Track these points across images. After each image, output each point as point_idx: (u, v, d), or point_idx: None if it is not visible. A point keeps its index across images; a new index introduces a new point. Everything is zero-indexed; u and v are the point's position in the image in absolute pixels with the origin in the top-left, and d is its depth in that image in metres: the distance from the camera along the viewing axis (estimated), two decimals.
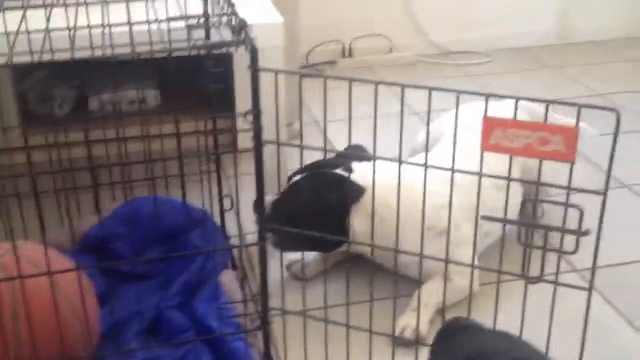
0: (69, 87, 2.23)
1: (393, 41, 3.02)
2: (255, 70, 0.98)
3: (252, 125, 1.00)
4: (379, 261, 1.47)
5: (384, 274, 1.42)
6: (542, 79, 2.80)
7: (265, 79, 1.58)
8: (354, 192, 1.40)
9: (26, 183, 1.31)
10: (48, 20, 1.22)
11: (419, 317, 1.36)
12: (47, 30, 1.17)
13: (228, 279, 1.40)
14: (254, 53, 0.96)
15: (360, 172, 1.43)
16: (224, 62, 2.11)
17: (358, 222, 1.41)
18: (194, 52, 1.33)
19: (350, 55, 2.99)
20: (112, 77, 2.16)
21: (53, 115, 2.18)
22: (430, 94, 0.95)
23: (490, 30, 3.13)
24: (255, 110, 0.99)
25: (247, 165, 2.01)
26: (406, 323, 1.36)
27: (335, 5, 2.98)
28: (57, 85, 2.20)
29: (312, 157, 1.44)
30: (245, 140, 2.32)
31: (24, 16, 1.22)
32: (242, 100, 2.14)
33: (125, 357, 1.13)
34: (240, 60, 2.09)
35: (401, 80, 2.80)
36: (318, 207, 1.40)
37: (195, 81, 2.24)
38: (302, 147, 1.04)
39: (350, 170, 1.45)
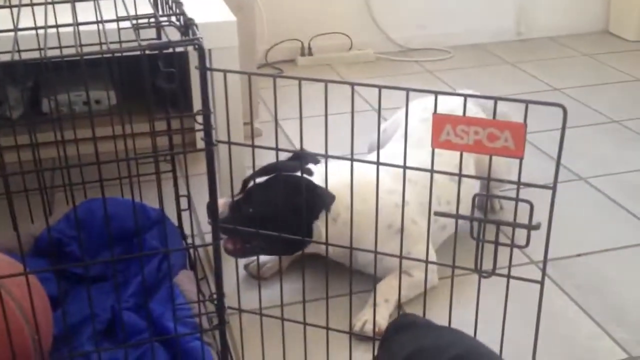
0: (21, 89, 2.19)
1: (352, 39, 3.03)
2: (203, 69, 0.97)
3: (203, 125, 0.99)
4: (342, 261, 1.47)
5: (341, 272, 1.42)
6: (501, 75, 2.84)
7: (221, 78, 1.57)
8: (326, 199, 1.39)
9: None
10: None
11: (379, 312, 1.37)
12: None
13: (185, 280, 1.39)
14: (201, 52, 0.95)
15: (320, 175, 1.42)
16: (179, 62, 2.10)
17: (324, 226, 1.41)
18: (141, 53, 1.32)
19: (310, 53, 2.99)
20: (65, 78, 2.12)
21: (4, 116, 2.14)
22: (380, 92, 0.95)
23: (450, 27, 3.16)
24: (205, 110, 0.99)
25: (204, 165, 2.01)
26: (367, 318, 1.37)
27: (294, 3, 2.98)
28: (8, 86, 2.16)
29: (268, 156, 1.43)
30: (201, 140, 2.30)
31: None
32: (199, 100, 2.13)
33: None
34: (194, 59, 2.09)
35: (360, 77, 2.81)
36: (287, 212, 1.36)
37: (150, 81, 2.23)
38: (253, 147, 1.04)
39: (310, 173, 1.45)
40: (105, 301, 1.34)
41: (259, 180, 1.42)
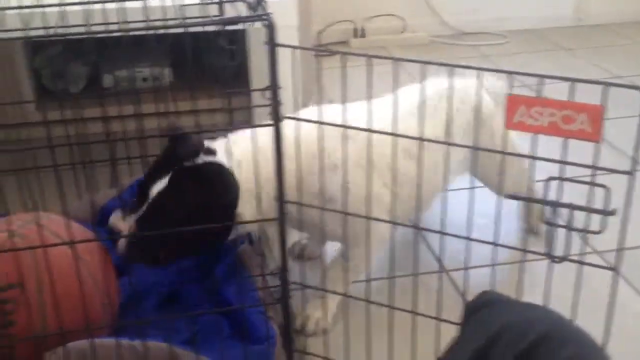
0: (83, 64, 2.24)
1: (406, 21, 3.01)
2: (272, 45, 0.97)
3: (270, 102, 1.00)
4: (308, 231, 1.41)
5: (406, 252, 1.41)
6: (557, 61, 2.79)
7: (281, 58, 1.57)
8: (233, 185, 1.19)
9: (44, 156, 1.31)
10: None
11: (323, 308, 1.31)
12: (62, 5, 1.17)
13: (246, 254, 1.40)
14: (271, 28, 0.96)
15: (223, 148, 1.23)
16: (239, 40, 2.12)
17: (243, 208, 1.22)
18: (210, 28, 1.33)
19: (363, 35, 2.98)
20: (126, 54, 2.16)
21: (67, 91, 2.19)
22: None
23: (505, 12, 3.12)
24: (273, 86, 0.99)
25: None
26: (309, 312, 1.32)
27: None
28: (71, 61, 2.21)
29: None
30: (260, 118, 2.33)
31: None
32: (257, 78, 2.14)
33: (144, 328, 1.13)
34: (254, 37, 2.10)
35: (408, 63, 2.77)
36: (208, 208, 1.16)
37: (209, 59, 2.26)
38: (320, 123, 1.04)
39: (211, 152, 1.22)
40: (169, 272, 1.37)
41: (158, 185, 1.19)
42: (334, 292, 1.25)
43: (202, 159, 1.18)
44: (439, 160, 1.30)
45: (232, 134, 1.20)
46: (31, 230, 1.13)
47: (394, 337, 1.12)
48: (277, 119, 0.99)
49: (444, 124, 1.32)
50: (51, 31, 1.27)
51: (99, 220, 1.49)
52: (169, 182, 1.17)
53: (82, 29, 1.19)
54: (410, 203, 1.29)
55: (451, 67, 1.00)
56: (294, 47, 1.03)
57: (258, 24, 0.96)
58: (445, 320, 1.05)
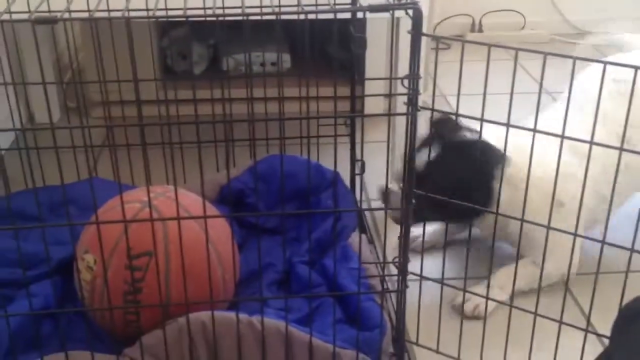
0: (206, 46, 2.31)
1: (526, 18, 2.92)
2: (417, 34, 0.97)
3: (408, 90, 1.00)
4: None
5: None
6: None
7: (404, 48, 1.56)
8: (498, 156, 1.32)
9: (170, 134, 1.37)
10: None
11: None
12: None
13: (359, 241, 1.41)
14: (418, 17, 0.96)
15: (494, 140, 1.33)
16: (359, 28, 2.12)
17: (503, 190, 1.33)
18: (343, 15, 1.34)
19: (480, 30, 2.92)
20: (247, 39, 2.20)
21: (189, 72, 2.26)
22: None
23: (631, 12, 2.97)
24: (413, 75, 0.99)
25: (378, 133, 2.03)
26: (478, 301, 1.34)
27: None
28: (195, 43, 2.28)
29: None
30: (376, 107, 2.31)
31: None
32: (374, 67, 2.15)
33: (260, 305, 1.16)
34: (375, 26, 2.10)
35: (531, 58, 2.70)
36: (467, 176, 1.34)
37: (329, 46, 2.28)
38: (457, 115, 1.03)
39: (475, 131, 1.37)
40: (282, 253, 1.40)
41: (423, 155, 1.37)
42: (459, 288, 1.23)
43: (466, 136, 1.37)
44: None
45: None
46: (163, 202, 1.18)
47: (514, 343, 1.10)
48: (415, 108, 0.99)
49: None
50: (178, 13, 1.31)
51: (219, 198, 1.54)
52: (437, 152, 1.37)
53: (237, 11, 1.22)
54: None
55: (574, 59, 0.97)
56: (439, 37, 1.02)
57: (401, 12, 0.96)
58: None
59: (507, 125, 1.02)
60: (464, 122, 1.39)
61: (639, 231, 0.94)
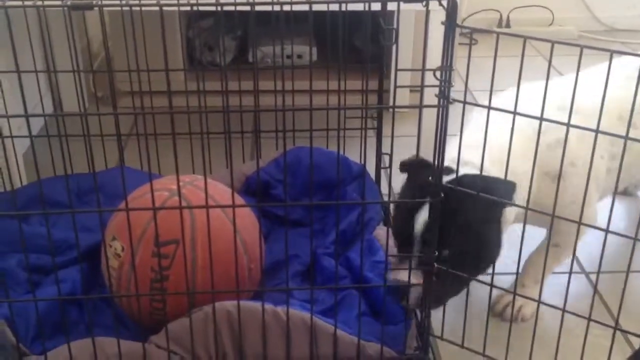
0: (232, 37, 2.31)
1: (555, 14, 2.89)
2: (451, 25, 0.96)
3: (440, 82, 0.99)
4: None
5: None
6: None
7: (434, 40, 1.54)
8: (509, 188, 1.14)
9: (201, 123, 1.37)
10: None
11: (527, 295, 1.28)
12: None
13: (383, 235, 1.41)
14: (454, 8, 0.95)
15: (470, 163, 1.17)
16: (388, 21, 2.11)
17: (509, 212, 1.21)
18: (392, 6, 1.33)
19: (508, 25, 2.90)
20: (274, 30, 2.20)
21: (215, 62, 2.27)
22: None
23: None
24: (446, 67, 0.98)
25: (404, 127, 2.02)
26: (509, 300, 1.33)
27: None
28: (221, 35, 2.28)
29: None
30: (402, 102, 2.30)
31: None
32: (400, 60, 2.13)
33: (285, 295, 1.16)
34: (402, 19, 2.09)
35: (559, 55, 2.66)
36: (482, 226, 1.15)
37: (356, 39, 2.27)
38: (489, 108, 1.02)
39: (449, 171, 1.16)
40: (307, 245, 1.39)
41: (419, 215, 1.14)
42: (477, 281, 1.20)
43: (445, 179, 1.12)
44: None
45: (460, 140, 1.13)
46: (190, 191, 1.18)
47: (541, 340, 1.09)
48: (447, 100, 0.98)
49: None
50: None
51: (245, 189, 1.54)
52: (445, 214, 1.08)
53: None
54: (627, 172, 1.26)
55: (611, 52, 0.95)
56: (473, 30, 1.01)
57: (433, 4, 0.95)
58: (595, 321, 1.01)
59: (541, 119, 1.01)
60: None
61: None
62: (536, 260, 1.35)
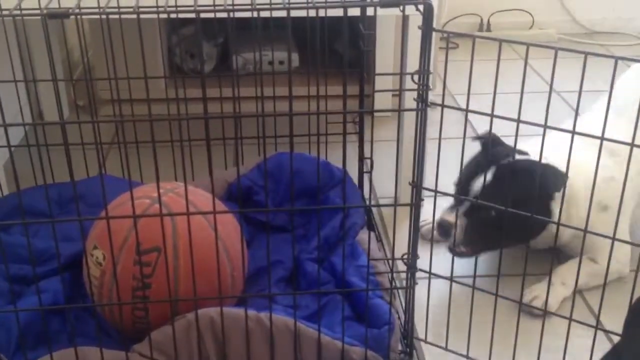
0: (214, 45, 2.31)
1: (535, 17, 2.92)
2: (428, 30, 0.97)
3: (419, 86, 1.00)
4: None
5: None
6: None
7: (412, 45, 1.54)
8: (560, 177, 1.31)
9: (181, 131, 1.37)
10: None
11: (553, 292, 1.34)
12: None
13: (367, 239, 1.41)
14: (429, 13, 0.95)
15: (535, 155, 1.31)
16: (367, 26, 2.12)
17: (558, 207, 1.29)
18: (354, 12, 1.33)
19: (488, 29, 2.92)
20: (255, 37, 2.20)
21: (197, 70, 2.27)
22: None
23: (639, 11, 2.97)
24: (424, 70, 0.99)
25: (387, 131, 2.02)
26: (537, 293, 1.35)
27: None
28: (203, 42, 2.28)
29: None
30: (384, 106, 2.30)
31: None
32: (381, 65, 2.15)
33: (268, 301, 1.16)
34: (383, 24, 2.09)
35: (540, 58, 2.69)
36: (525, 201, 1.21)
37: (337, 44, 2.28)
38: (467, 111, 1.03)
39: (525, 153, 1.40)
40: (290, 250, 1.40)
41: (480, 177, 1.35)
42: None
43: (516, 157, 1.36)
44: None
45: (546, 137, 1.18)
46: (171, 198, 1.18)
47: (524, 341, 1.09)
48: (425, 104, 0.99)
49: None
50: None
51: (227, 196, 1.54)
52: (494, 177, 1.34)
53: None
54: None
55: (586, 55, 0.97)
56: (449, 33, 1.02)
57: (410, 9, 0.96)
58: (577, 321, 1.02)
59: (518, 120, 1.02)
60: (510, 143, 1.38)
61: None
62: (571, 264, 1.40)
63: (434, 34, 0.99)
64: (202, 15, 0.95)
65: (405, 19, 1.55)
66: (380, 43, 2.12)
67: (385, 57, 2.13)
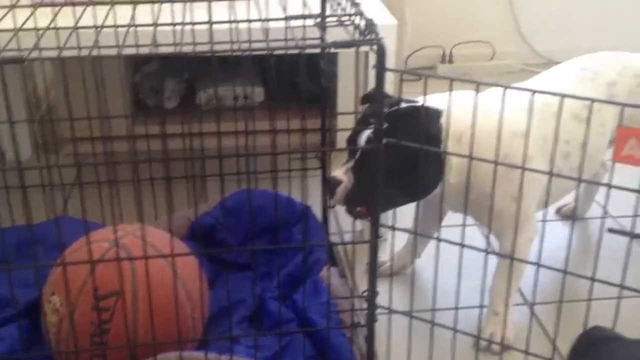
0: (179, 81, 2.31)
1: (496, 48, 2.97)
2: (381, 69, 0.98)
3: (375, 124, 1.01)
4: (457, 209, 1.39)
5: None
6: None
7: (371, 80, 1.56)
8: (433, 114, 1.26)
9: (142, 170, 1.36)
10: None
11: (500, 322, 1.34)
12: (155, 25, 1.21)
13: (330, 275, 1.41)
14: (381, 53, 0.97)
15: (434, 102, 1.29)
16: (331, 62, 2.14)
17: (452, 148, 1.26)
18: (316, 50, 1.35)
19: (451, 61, 2.96)
20: (220, 73, 2.22)
21: (162, 106, 2.27)
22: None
23: (598, 41, 3.04)
24: (379, 108, 1.00)
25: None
26: (494, 329, 1.35)
27: (437, 10, 2.96)
28: (167, 78, 2.29)
29: None
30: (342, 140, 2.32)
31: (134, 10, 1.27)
32: (344, 100, 2.17)
33: (230, 343, 1.15)
34: (345, 60, 2.12)
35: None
36: (411, 142, 1.15)
37: (300, 80, 2.30)
38: (422, 148, 1.04)
39: (411, 101, 1.30)
40: (252, 289, 1.39)
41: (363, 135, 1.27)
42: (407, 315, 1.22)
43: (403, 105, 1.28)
44: (606, 121, 1.39)
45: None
46: (131, 241, 1.17)
47: None
48: (380, 142, 1.00)
49: (606, 87, 1.42)
50: (143, 49, 1.31)
51: (190, 234, 1.53)
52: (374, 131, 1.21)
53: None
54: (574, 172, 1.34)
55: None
56: (402, 71, 1.04)
57: (361, 48, 0.97)
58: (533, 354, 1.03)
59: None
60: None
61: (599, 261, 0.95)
62: (498, 283, 1.36)
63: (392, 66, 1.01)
64: (161, 51, 0.96)
65: (366, 56, 1.57)
66: (346, 78, 2.14)
67: (349, 93, 2.15)
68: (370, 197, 1.15)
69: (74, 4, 1.29)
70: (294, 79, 2.24)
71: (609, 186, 0.90)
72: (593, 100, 1.01)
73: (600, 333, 0.84)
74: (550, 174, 1.04)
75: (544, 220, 1.26)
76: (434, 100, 1.29)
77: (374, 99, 1.20)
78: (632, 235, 0.91)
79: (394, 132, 1.13)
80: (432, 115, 1.26)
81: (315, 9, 1.41)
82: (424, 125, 1.22)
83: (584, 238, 1.74)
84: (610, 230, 0.92)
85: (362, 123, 1.29)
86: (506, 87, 1.06)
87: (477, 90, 1.11)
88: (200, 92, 2.23)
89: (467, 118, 1.17)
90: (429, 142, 1.18)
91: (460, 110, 1.24)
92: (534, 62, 3.00)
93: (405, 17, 2.65)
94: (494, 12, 2.98)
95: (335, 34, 1.22)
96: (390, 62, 1.56)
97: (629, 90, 1.44)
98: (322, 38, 1.42)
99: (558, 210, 1.82)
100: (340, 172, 1.29)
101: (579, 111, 1.33)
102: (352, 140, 1.31)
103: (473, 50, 2.97)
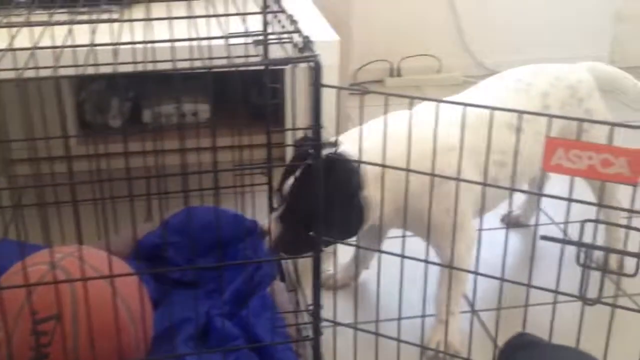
0: (124, 99, 2.29)
1: (442, 61, 3.03)
2: (317, 86, 0.99)
3: (312, 140, 1.02)
4: (396, 226, 1.39)
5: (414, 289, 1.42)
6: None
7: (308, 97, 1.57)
8: (351, 169, 1.25)
9: (83, 190, 1.34)
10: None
11: (448, 330, 1.35)
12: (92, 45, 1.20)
13: (277, 291, 1.41)
14: (318, 70, 0.98)
15: (351, 141, 1.28)
16: (278, 78, 2.15)
17: (373, 192, 1.27)
18: (257, 68, 1.36)
19: (399, 74, 3.01)
20: (167, 91, 2.21)
21: (108, 125, 2.24)
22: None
23: (541, 53, 3.12)
24: (317, 125, 1.01)
25: None
26: (439, 337, 1.36)
27: (385, 24, 3.00)
28: (113, 97, 2.26)
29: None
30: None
31: (70, 31, 1.26)
32: (298, 115, 2.17)
33: None
34: (291, 77, 2.13)
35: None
36: (335, 196, 1.21)
37: (249, 96, 2.30)
38: (360, 162, 1.05)
39: (336, 144, 1.29)
40: (200, 306, 1.38)
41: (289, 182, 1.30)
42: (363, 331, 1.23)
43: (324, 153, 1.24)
44: (542, 129, 1.40)
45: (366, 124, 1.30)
46: (71, 262, 1.15)
47: None
48: (318, 158, 1.00)
49: (539, 98, 1.47)
50: (82, 69, 1.30)
51: (135, 255, 1.51)
52: (296, 177, 1.28)
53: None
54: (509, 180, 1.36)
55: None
56: (340, 88, 1.05)
57: (303, 65, 0.98)
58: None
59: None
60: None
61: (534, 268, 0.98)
62: (442, 292, 1.37)
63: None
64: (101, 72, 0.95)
65: (293, 75, 1.59)
66: (294, 94, 2.14)
67: (299, 109, 2.16)
68: (300, 244, 1.23)
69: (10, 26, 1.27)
70: (241, 95, 2.24)
71: (540, 195, 0.93)
72: (521, 112, 1.03)
73: (525, 338, 0.86)
74: (484, 184, 1.07)
75: (482, 229, 1.29)
76: (376, 124, 1.30)
77: (305, 144, 1.27)
78: (564, 242, 0.93)
79: (311, 185, 1.12)
80: (349, 169, 1.24)
81: (258, 26, 1.42)
82: (342, 180, 1.23)
83: (529, 245, 1.78)
84: (543, 238, 0.94)
85: (289, 172, 1.31)
86: (439, 101, 1.08)
87: (410, 107, 1.13)
88: (145, 110, 2.21)
89: (387, 152, 1.19)
90: (350, 195, 1.25)
91: (376, 147, 1.22)
92: (480, 74, 3.07)
93: (352, 32, 2.67)
94: (440, 26, 3.04)
95: (277, 52, 1.23)
96: (333, 77, 1.58)
97: (561, 101, 1.49)
98: (263, 55, 1.43)
99: (503, 218, 1.86)
100: (268, 221, 1.34)
101: (513, 121, 1.36)
102: (278, 186, 1.35)
103: (420, 63, 3.02)
